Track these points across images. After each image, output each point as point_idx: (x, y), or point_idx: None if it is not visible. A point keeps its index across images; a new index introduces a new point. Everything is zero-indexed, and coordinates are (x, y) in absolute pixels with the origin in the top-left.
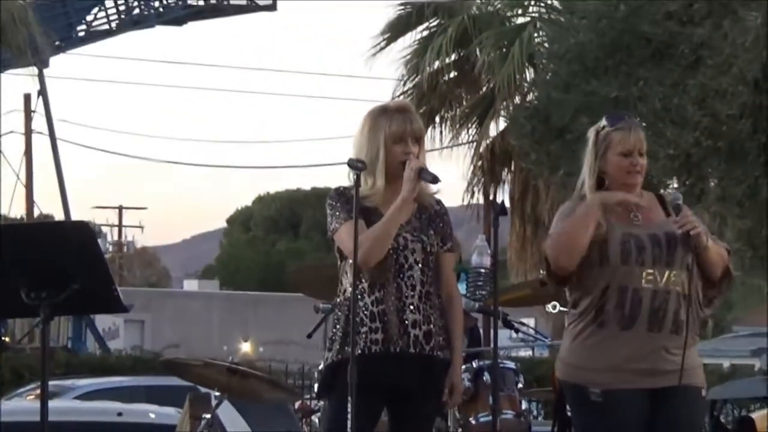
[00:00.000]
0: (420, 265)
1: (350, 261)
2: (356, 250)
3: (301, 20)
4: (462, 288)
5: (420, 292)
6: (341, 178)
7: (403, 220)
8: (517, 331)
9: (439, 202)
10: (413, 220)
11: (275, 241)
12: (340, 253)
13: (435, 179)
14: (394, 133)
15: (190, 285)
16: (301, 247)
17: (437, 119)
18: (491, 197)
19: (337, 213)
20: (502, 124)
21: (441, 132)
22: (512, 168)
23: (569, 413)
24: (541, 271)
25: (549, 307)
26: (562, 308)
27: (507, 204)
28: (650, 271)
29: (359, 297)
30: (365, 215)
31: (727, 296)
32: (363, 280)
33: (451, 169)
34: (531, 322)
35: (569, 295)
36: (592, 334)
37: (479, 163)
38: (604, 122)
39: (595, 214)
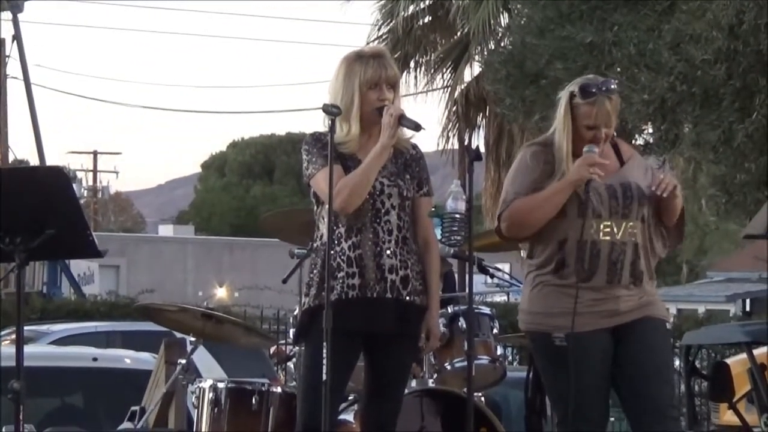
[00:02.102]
0: (396, 210)
1: (327, 206)
2: (331, 195)
3: None
4: (437, 233)
5: (397, 237)
6: (316, 123)
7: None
8: (492, 276)
9: (414, 146)
10: (389, 165)
11: (249, 186)
12: (316, 198)
13: (417, 126)
14: (369, 79)
15: (165, 230)
16: (275, 192)
17: (412, 64)
18: (466, 142)
19: (314, 159)
20: (477, 69)
21: (416, 77)
22: (487, 113)
23: None
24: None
25: (524, 253)
26: None
27: (482, 149)
28: (607, 223)
29: (336, 242)
30: (342, 161)
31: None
32: (340, 225)
33: (425, 114)
34: (506, 267)
35: (526, 245)
36: (551, 283)
37: (454, 108)
38: (576, 89)
39: (563, 198)
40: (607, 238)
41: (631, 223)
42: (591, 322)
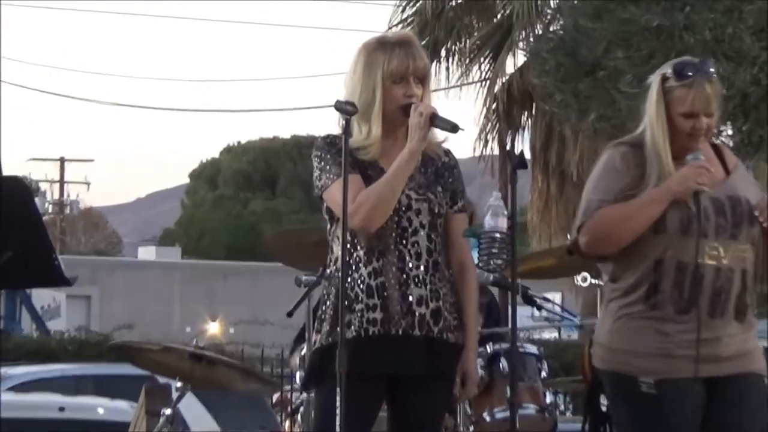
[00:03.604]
0: (426, 229)
1: (343, 223)
2: (346, 209)
3: None
4: (473, 256)
5: (427, 262)
6: (329, 124)
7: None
8: (539, 308)
9: (447, 152)
10: (417, 175)
11: (248, 200)
12: (330, 215)
13: (454, 127)
14: (393, 71)
15: (146, 253)
16: (278, 207)
17: (443, 53)
18: (508, 147)
19: (327, 166)
20: (521, 58)
21: (447, 68)
22: (533, 111)
23: (604, 407)
24: (568, 236)
25: (578, 279)
26: (594, 281)
27: (527, 155)
28: (714, 244)
29: (353, 268)
30: (362, 170)
31: None
32: (358, 247)
33: (459, 113)
34: (557, 297)
35: (608, 267)
36: (642, 315)
37: (494, 105)
38: (669, 71)
39: (661, 210)
40: (713, 262)
41: (740, 246)
42: (686, 367)
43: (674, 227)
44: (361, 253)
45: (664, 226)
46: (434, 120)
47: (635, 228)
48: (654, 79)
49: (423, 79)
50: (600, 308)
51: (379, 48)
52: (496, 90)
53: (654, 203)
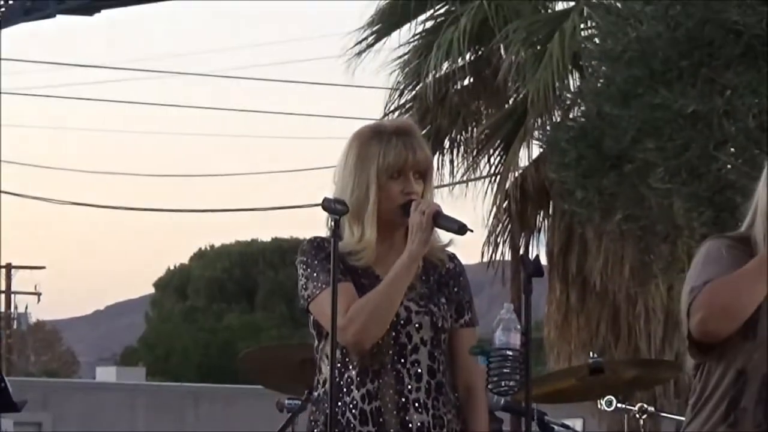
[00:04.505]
0: (428, 347)
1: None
2: (335, 321)
3: (253, 7)
4: (483, 378)
5: (428, 384)
6: (315, 225)
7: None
8: None
9: (452, 257)
10: (418, 284)
11: (222, 312)
12: (318, 330)
13: (462, 228)
14: (390, 165)
15: (106, 374)
16: (257, 321)
17: (447, 143)
18: (521, 251)
19: (315, 274)
20: (536, 150)
21: (452, 161)
22: (550, 211)
23: None
24: (591, 354)
25: (602, 404)
26: (620, 404)
27: (543, 260)
28: None
29: (344, 390)
30: (354, 278)
31: None
32: (350, 367)
33: (465, 214)
34: (578, 424)
35: (698, 376)
36: None
37: (505, 204)
38: None
39: None
40: None
41: None
42: None
43: (765, 334)
44: (354, 373)
45: (754, 333)
46: (438, 219)
47: (756, 292)
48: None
49: (424, 174)
50: None
51: (373, 138)
52: (507, 186)
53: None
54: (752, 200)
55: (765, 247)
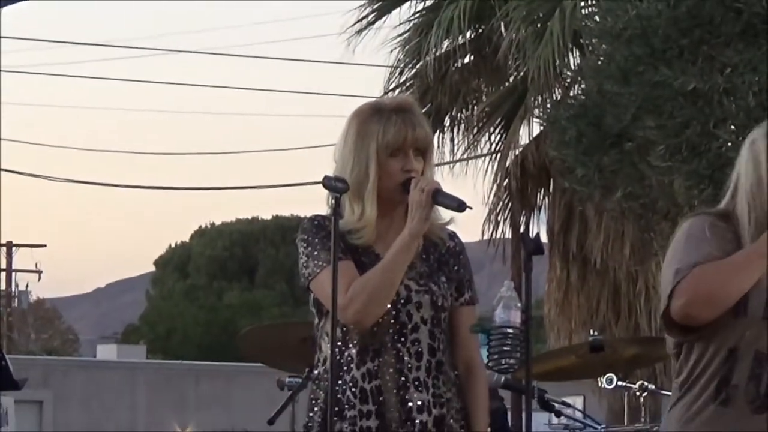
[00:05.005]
0: (428, 325)
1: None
2: (335, 300)
3: None
4: (483, 355)
5: (429, 363)
6: (316, 203)
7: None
8: (558, 414)
9: (453, 235)
10: (418, 263)
11: (223, 291)
12: (318, 308)
13: (461, 205)
14: (390, 142)
15: (107, 352)
16: (258, 299)
17: (447, 121)
18: (522, 229)
19: (315, 252)
20: (537, 128)
21: (452, 139)
22: (551, 189)
23: None
24: (591, 332)
25: (603, 381)
26: (620, 382)
27: (544, 238)
28: None
29: (344, 369)
30: (354, 256)
31: None
32: (350, 345)
33: (466, 191)
34: (578, 401)
35: (680, 354)
36: (711, 416)
37: (505, 182)
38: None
39: (763, 270)
40: None
41: None
42: None
43: (757, 311)
44: (354, 352)
45: (745, 309)
46: (437, 197)
47: (742, 283)
48: (745, 147)
49: (424, 152)
50: (663, 416)
51: (373, 116)
52: (508, 164)
53: (760, 258)
54: (732, 175)
55: (750, 228)
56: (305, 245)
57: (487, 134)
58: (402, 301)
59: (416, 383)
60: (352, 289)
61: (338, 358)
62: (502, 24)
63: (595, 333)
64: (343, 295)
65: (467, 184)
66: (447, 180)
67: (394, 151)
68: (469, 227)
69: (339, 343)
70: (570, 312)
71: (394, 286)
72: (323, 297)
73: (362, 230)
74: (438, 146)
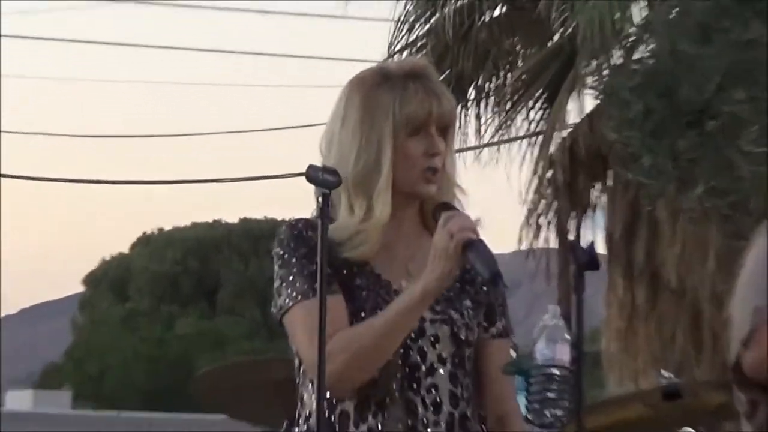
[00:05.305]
0: (448, 366)
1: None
2: (323, 343)
3: None
4: (520, 404)
5: (450, 416)
6: (299, 202)
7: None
8: None
9: None
10: None
11: (174, 317)
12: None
13: (494, 276)
14: (410, 117)
15: (19, 400)
16: (221, 328)
17: (471, 93)
18: (571, 236)
19: (291, 277)
20: (590, 102)
21: (478, 116)
22: (609, 182)
23: None
24: (662, 373)
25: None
26: None
27: (600, 248)
28: None
29: (337, 428)
30: (345, 278)
31: None
32: (344, 398)
33: (497, 186)
34: None
35: (755, 414)
36: None
37: (549, 173)
38: None
39: None
40: None
41: None
42: None
43: None
44: (350, 406)
45: None
46: (469, 252)
47: None
48: None
49: (446, 130)
50: None
51: (383, 84)
52: (552, 150)
53: None
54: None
55: None
56: (280, 264)
57: (524, 110)
58: (413, 335)
59: None
60: (331, 344)
61: (328, 414)
62: None
63: (670, 374)
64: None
65: (498, 177)
66: (472, 171)
67: (415, 129)
68: (502, 234)
69: (329, 395)
70: (636, 346)
71: (386, 353)
72: (295, 342)
73: (363, 237)
74: (459, 126)
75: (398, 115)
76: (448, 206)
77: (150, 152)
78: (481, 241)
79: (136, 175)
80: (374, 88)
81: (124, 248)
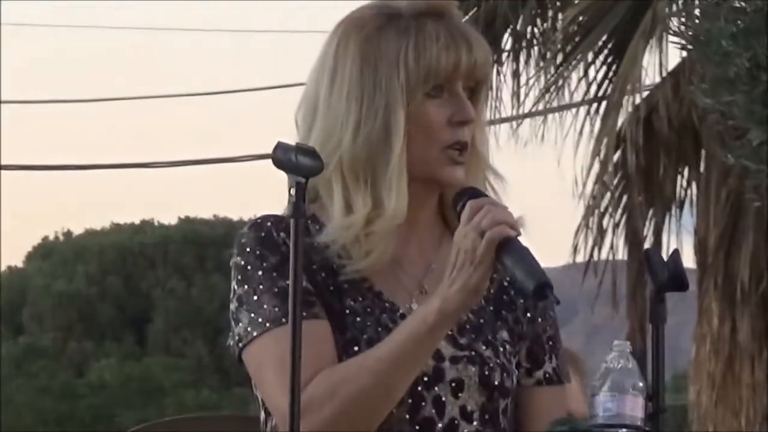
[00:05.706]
0: (476, 424)
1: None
2: (296, 385)
3: None
4: None
5: None
6: (269, 195)
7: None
8: None
9: None
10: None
11: (86, 356)
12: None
13: (541, 286)
14: (432, 69)
15: None
16: (153, 371)
17: (506, 43)
18: (647, 244)
19: (255, 297)
20: (673, 55)
21: (516, 75)
22: (701, 168)
23: None
24: None
25: None
26: None
27: (688, 260)
28: None
29: None
30: (333, 300)
31: None
32: None
33: (544, 171)
34: None
35: None
36: None
37: (616, 155)
38: None
39: None
40: None
41: None
42: None
43: None
44: None
45: None
46: (505, 254)
47: None
48: None
49: (476, 90)
50: None
51: (387, 26)
52: (621, 122)
53: None
54: None
55: None
56: (240, 278)
57: (581, 66)
58: (426, 379)
59: None
60: (313, 387)
61: None
62: None
63: None
64: (286, 396)
65: (544, 159)
66: (507, 151)
67: (437, 87)
68: (549, 240)
69: None
70: (737, 397)
71: (387, 401)
72: (260, 385)
73: (371, 243)
74: (490, 88)
75: (412, 67)
76: (476, 192)
77: (46, 120)
78: (517, 239)
79: (30, 157)
80: (375, 32)
81: (18, 261)
